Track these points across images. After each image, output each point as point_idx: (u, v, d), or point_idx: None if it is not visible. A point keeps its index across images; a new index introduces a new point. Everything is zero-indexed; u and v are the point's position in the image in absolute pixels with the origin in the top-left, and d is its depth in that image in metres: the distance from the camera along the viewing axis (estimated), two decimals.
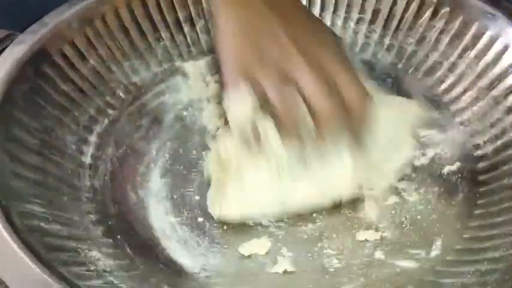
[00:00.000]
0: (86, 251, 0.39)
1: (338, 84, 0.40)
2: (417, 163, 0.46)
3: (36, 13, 0.47)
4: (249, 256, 0.42)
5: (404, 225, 0.43)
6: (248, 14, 0.41)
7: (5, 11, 0.55)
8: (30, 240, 0.36)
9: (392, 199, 0.44)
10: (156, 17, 0.51)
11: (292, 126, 0.40)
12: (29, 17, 0.47)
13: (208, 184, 0.45)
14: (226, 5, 0.42)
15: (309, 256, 0.42)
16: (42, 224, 0.39)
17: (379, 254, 0.41)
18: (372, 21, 0.52)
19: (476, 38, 0.48)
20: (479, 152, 0.45)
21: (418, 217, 0.43)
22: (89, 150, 0.46)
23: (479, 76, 0.47)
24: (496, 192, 0.42)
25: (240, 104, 0.41)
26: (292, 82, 0.40)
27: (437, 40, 0.49)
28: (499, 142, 0.45)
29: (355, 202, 0.44)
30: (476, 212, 0.42)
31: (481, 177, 0.44)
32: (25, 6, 0.50)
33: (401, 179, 0.45)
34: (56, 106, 0.45)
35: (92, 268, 0.38)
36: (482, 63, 0.47)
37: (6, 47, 0.45)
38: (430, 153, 0.47)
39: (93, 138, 0.47)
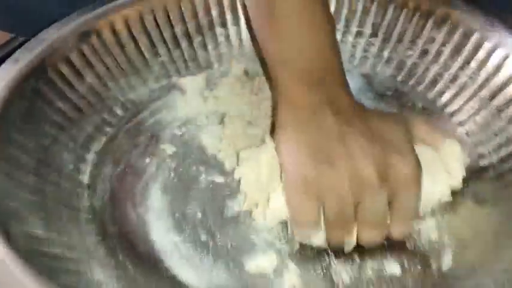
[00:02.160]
0: (88, 272, 0.38)
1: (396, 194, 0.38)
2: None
3: (38, 14, 0.46)
4: (256, 274, 0.41)
5: (415, 238, 0.42)
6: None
7: (8, 11, 0.54)
8: (32, 263, 0.35)
9: None
10: (153, 33, 0.50)
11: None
12: (31, 18, 0.46)
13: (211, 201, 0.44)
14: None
15: (317, 272, 0.41)
16: (42, 247, 0.37)
17: (388, 268, 0.41)
18: (372, 35, 0.52)
19: (476, 48, 0.48)
20: (484, 162, 0.45)
21: (426, 229, 0.43)
22: (87, 168, 0.45)
23: (481, 86, 0.47)
24: (505, 202, 0.42)
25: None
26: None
27: (438, 52, 0.49)
28: (503, 151, 0.45)
29: None
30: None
31: (489, 188, 0.44)
32: (27, 9, 0.49)
33: None
34: (52, 124, 0.44)
35: None
36: (483, 74, 0.47)
37: (9, 52, 0.44)
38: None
39: (90, 157, 0.46)
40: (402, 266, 0.41)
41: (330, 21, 0.43)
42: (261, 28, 0.43)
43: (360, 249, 0.41)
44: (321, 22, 0.42)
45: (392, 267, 0.41)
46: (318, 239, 0.40)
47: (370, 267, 0.41)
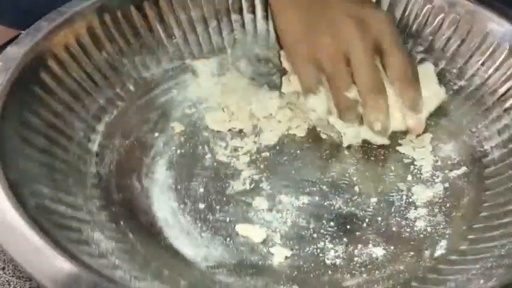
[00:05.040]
0: (89, 231, 0.39)
1: (385, 54, 0.45)
2: (425, 167, 0.46)
3: (45, 11, 0.48)
4: (252, 249, 0.42)
5: (409, 226, 0.43)
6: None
7: (18, 11, 0.55)
8: (37, 216, 0.36)
9: (398, 200, 0.44)
10: (170, 15, 0.52)
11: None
12: (39, 16, 0.47)
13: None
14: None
15: (311, 252, 0.42)
16: (48, 203, 0.39)
17: (382, 252, 0.41)
18: None
19: (485, 45, 0.48)
20: (486, 158, 0.46)
21: (424, 218, 0.43)
22: (97, 138, 0.46)
23: (487, 83, 0.48)
24: (502, 195, 0.42)
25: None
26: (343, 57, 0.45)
27: (446, 47, 0.50)
28: (506, 148, 0.45)
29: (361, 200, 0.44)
30: (482, 214, 0.42)
31: (488, 182, 0.44)
32: (35, 9, 0.51)
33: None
34: (67, 93, 0.46)
35: (94, 247, 0.37)
36: (490, 71, 0.48)
37: None
38: (438, 157, 0.47)
39: (101, 128, 0.47)
40: (394, 251, 0.41)
41: None
42: None
43: (350, 232, 0.42)
44: None
45: (383, 251, 0.41)
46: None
47: (363, 251, 0.41)
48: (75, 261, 0.33)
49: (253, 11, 0.53)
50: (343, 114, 0.46)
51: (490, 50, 0.48)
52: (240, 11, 0.53)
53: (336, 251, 0.42)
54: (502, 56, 0.47)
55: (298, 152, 0.48)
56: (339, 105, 0.46)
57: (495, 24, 0.48)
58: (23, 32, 0.46)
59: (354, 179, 0.46)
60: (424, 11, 0.51)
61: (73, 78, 0.46)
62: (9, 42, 0.46)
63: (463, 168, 0.46)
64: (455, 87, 0.49)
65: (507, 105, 0.46)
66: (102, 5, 0.48)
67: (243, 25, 0.53)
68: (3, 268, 0.41)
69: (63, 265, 0.33)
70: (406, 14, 0.51)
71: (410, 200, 0.44)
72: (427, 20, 0.51)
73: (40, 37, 0.45)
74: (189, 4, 0.52)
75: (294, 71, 0.47)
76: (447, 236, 0.42)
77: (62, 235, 0.36)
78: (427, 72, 0.47)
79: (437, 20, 0.50)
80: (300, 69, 0.47)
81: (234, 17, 0.53)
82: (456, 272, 0.38)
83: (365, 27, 0.44)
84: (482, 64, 0.48)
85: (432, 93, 0.47)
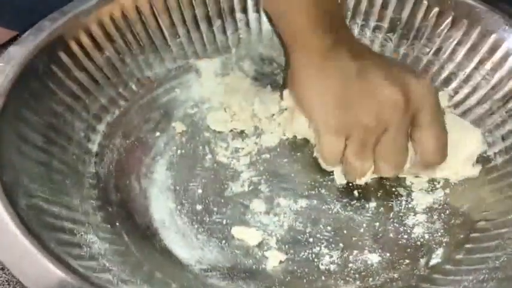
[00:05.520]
0: (82, 233, 0.39)
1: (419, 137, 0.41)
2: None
3: (43, 13, 0.48)
4: (246, 252, 0.42)
5: (406, 232, 0.42)
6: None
7: (16, 12, 0.56)
8: (27, 216, 0.36)
9: (397, 205, 0.44)
10: (174, 13, 0.51)
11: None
12: (37, 18, 0.48)
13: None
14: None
15: (306, 257, 0.41)
16: (41, 203, 0.39)
17: (378, 259, 0.41)
18: (389, 30, 0.51)
19: (493, 50, 0.47)
20: (489, 164, 0.45)
21: (422, 225, 0.43)
22: (97, 138, 0.46)
23: (494, 88, 0.46)
24: (502, 204, 0.41)
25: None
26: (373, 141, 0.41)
27: (454, 51, 0.49)
28: (508, 155, 0.44)
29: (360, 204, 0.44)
30: (480, 223, 0.41)
31: (489, 189, 0.43)
32: (35, 12, 0.51)
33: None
34: (67, 92, 0.46)
35: (85, 249, 0.38)
36: (497, 76, 0.47)
37: None
38: None
39: (102, 127, 0.47)
40: (390, 258, 0.40)
41: None
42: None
43: (347, 237, 0.42)
44: None
45: (378, 258, 0.41)
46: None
47: (358, 257, 0.41)
48: (61, 265, 0.33)
49: (258, 10, 0.53)
50: (348, 179, 0.44)
51: (500, 55, 0.47)
52: (245, 10, 0.53)
53: (331, 256, 0.41)
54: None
55: (299, 154, 0.47)
56: (347, 171, 0.43)
57: (505, 29, 0.47)
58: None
59: (354, 182, 0.45)
60: (431, 13, 0.49)
61: (75, 78, 0.47)
62: (9, 42, 0.46)
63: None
64: (462, 92, 0.48)
65: None
66: (104, 5, 0.48)
67: (247, 24, 0.53)
68: (3, 268, 0.41)
69: (49, 268, 0.33)
70: (413, 16, 0.50)
71: (410, 205, 0.44)
72: (434, 22, 0.49)
73: (42, 37, 0.46)
74: (194, 2, 0.52)
75: (316, 136, 0.44)
76: (444, 244, 0.41)
77: (52, 237, 0.36)
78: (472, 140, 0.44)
79: (445, 23, 0.49)
80: (325, 140, 0.42)
81: (239, 15, 0.53)
82: (448, 283, 0.37)
83: (408, 99, 0.40)
84: (491, 69, 0.47)
85: (463, 167, 0.44)
